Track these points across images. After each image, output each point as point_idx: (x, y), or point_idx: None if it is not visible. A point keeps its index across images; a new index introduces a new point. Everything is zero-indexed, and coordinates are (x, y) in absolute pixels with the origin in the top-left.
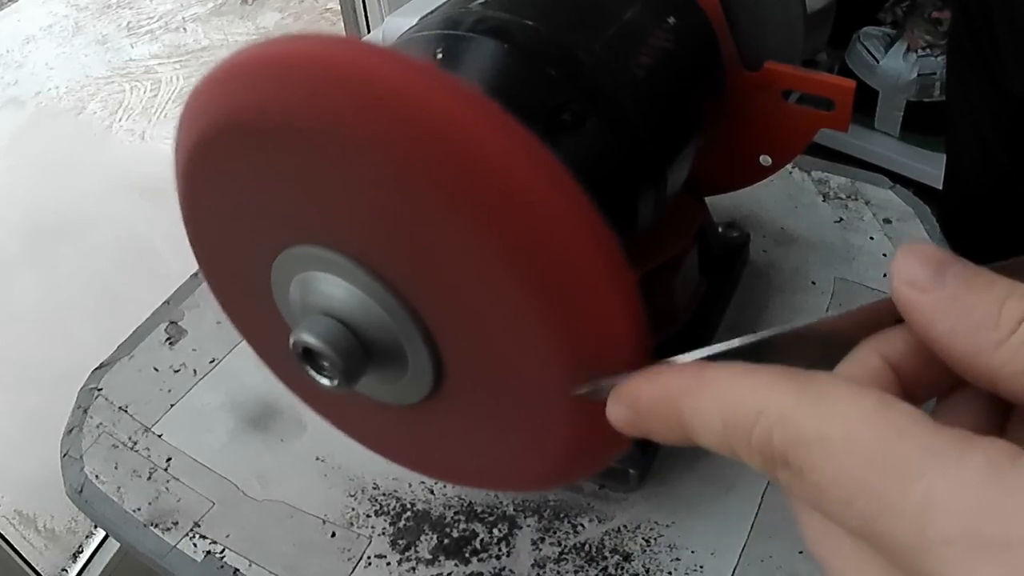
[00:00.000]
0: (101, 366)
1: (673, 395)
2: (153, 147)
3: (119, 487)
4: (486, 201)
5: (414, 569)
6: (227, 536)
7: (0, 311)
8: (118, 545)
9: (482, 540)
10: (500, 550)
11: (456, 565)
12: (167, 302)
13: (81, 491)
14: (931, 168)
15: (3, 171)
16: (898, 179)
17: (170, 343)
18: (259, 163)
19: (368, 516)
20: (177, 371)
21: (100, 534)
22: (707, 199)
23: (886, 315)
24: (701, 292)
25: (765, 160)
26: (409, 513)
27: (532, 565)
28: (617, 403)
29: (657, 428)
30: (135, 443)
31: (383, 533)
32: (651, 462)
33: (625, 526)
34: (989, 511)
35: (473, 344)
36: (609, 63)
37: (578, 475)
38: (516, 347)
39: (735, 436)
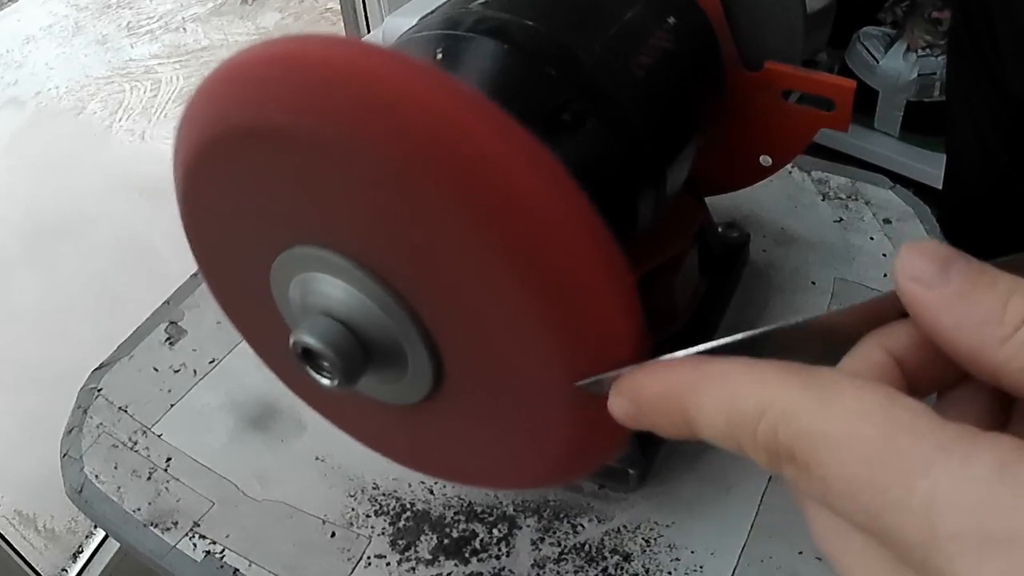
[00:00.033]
0: (101, 366)
1: (676, 389)
2: (153, 147)
3: (119, 487)
4: (486, 202)
5: (414, 569)
6: (227, 536)
7: (0, 311)
8: (118, 545)
9: (482, 540)
10: (500, 550)
11: (456, 565)
12: (167, 302)
13: (81, 491)
14: (931, 168)
15: (3, 171)
16: (898, 179)
17: (170, 343)
18: (259, 164)
19: (368, 516)
20: (177, 371)
21: (100, 534)
22: (707, 199)
23: (889, 311)
24: (701, 292)
25: (765, 160)
26: (409, 513)
27: (532, 565)
28: (619, 396)
29: (659, 422)
30: (135, 443)
31: (383, 533)
32: (651, 462)
33: (625, 526)
34: (995, 506)
35: (473, 344)
36: (609, 63)
37: (578, 474)
38: (515, 347)
39: (739, 431)
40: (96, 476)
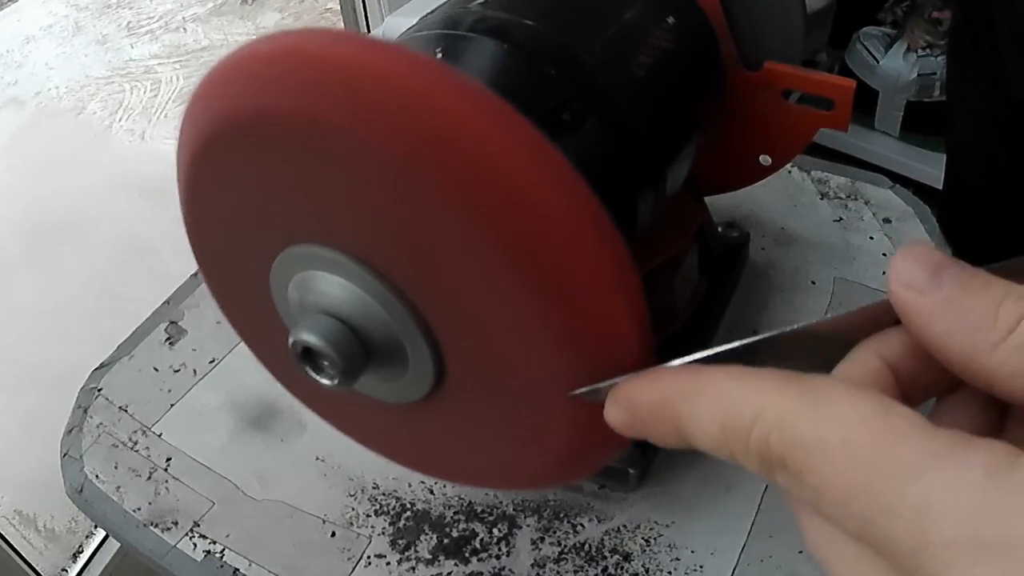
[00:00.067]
0: (101, 366)
1: (670, 398)
2: (153, 147)
3: (119, 487)
4: (487, 200)
5: (414, 569)
6: (227, 536)
7: (0, 311)
8: (118, 545)
9: (482, 540)
10: (500, 550)
11: (456, 565)
12: (167, 302)
13: (81, 491)
14: (931, 168)
15: (3, 171)
16: (898, 179)
17: (170, 343)
18: (259, 160)
19: (368, 516)
20: (177, 371)
21: (100, 534)
22: (707, 199)
23: (884, 316)
24: (701, 292)
25: (765, 160)
26: (409, 513)
27: (532, 565)
28: (614, 405)
29: (654, 431)
30: (135, 443)
31: (383, 533)
32: (651, 462)
33: (625, 526)
34: (988, 513)
35: (474, 343)
36: (609, 63)
37: (578, 475)
38: (517, 346)
39: (733, 439)
40: (96, 476)
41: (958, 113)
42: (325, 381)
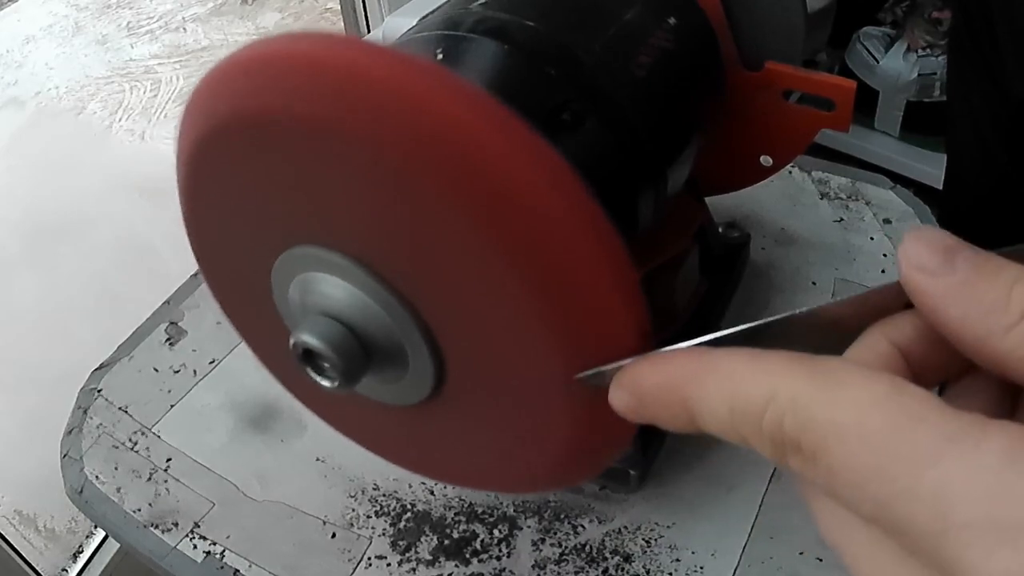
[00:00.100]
0: (101, 366)
1: (677, 381)
2: (153, 147)
3: (119, 488)
4: (486, 201)
5: (414, 570)
6: (227, 537)
7: (0, 311)
8: (118, 545)
9: (482, 541)
10: (500, 551)
11: (456, 566)
12: (167, 302)
13: (81, 491)
14: (931, 168)
15: (3, 171)
16: (898, 179)
17: (170, 343)
18: (258, 161)
19: (368, 517)
20: (177, 371)
21: (100, 534)
22: (707, 199)
23: (891, 301)
24: (701, 292)
25: (765, 160)
26: (409, 514)
27: (532, 566)
28: (619, 388)
29: (660, 414)
30: (135, 444)
31: (383, 534)
32: (652, 463)
33: (626, 527)
34: (1006, 495)
35: (474, 344)
36: (609, 63)
37: (579, 477)
38: (517, 347)
39: (743, 421)
40: (96, 476)
41: (958, 113)
42: (326, 383)
